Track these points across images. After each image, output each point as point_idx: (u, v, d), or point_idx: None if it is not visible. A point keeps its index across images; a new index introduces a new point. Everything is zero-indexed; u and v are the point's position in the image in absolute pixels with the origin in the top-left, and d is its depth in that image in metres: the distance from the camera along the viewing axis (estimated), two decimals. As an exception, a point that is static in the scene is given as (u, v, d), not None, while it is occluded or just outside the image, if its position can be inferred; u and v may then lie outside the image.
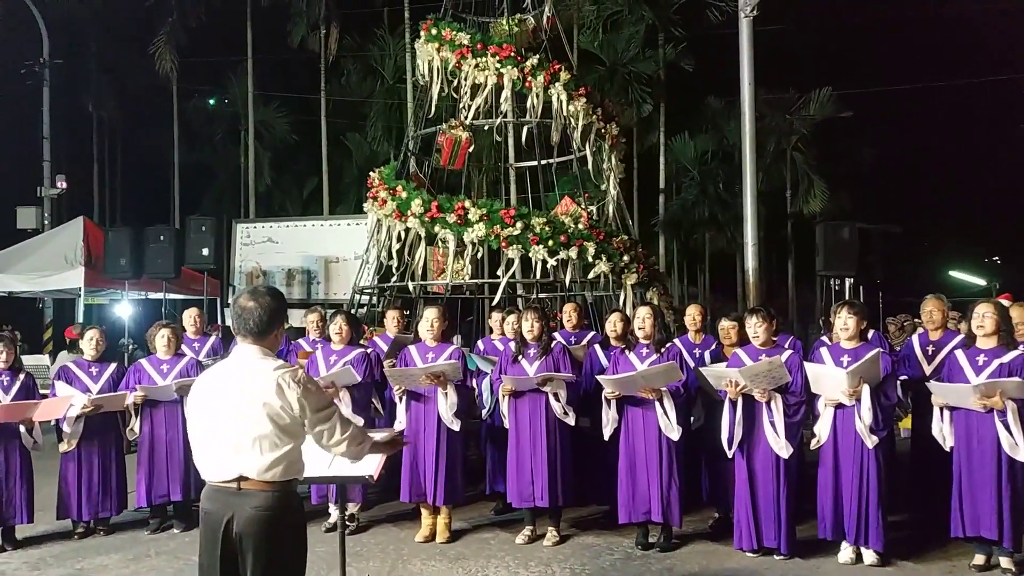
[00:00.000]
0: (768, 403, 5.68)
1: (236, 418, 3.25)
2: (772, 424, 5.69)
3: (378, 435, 3.81)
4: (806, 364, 5.76)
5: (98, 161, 28.24)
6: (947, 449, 5.57)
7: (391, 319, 7.62)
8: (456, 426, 6.36)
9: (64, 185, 19.57)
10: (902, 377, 6.44)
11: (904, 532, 6.23)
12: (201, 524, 3.35)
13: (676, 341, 6.93)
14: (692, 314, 7.06)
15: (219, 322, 13.79)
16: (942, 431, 5.57)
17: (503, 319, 7.53)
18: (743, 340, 6.24)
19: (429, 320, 6.53)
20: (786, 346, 6.26)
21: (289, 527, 3.31)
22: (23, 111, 22.45)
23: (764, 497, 5.74)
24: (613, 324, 6.77)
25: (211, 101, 27.73)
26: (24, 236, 16.33)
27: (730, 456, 5.86)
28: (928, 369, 6.36)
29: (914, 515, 6.52)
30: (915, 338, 6.76)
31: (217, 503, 3.27)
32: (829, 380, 5.56)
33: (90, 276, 12.88)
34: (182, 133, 26.52)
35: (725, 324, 6.59)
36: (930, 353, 6.45)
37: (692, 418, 6.32)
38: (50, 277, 13.20)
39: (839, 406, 5.58)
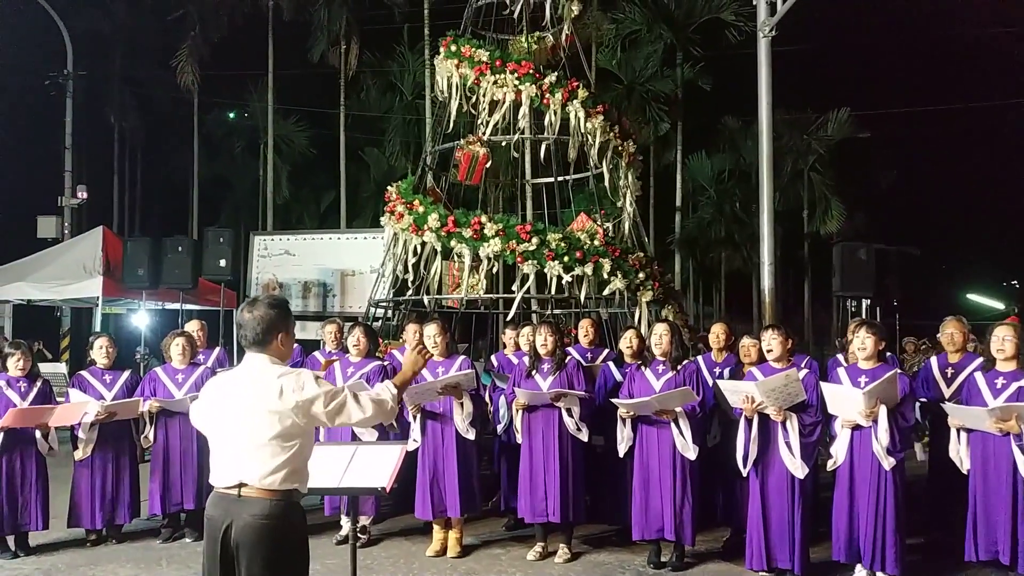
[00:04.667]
0: (783, 422, 5.65)
1: (239, 425, 3.28)
2: (787, 444, 5.64)
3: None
4: (823, 384, 5.71)
5: (118, 172, 28.51)
6: (964, 471, 5.51)
7: (411, 332, 7.63)
8: (472, 435, 6.36)
9: (84, 195, 19.77)
10: (921, 399, 6.39)
11: (920, 555, 6.16)
12: (204, 529, 3.37)
13: (698, 358, 6.90)
14: (717, 332, 7.03)
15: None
16: (959, 453, 5.53)
17: (517, 333, 7.53)
18: (762, 359, 6.21)
19: (432, 337, 6.51)
20: (802, 365, 6.23)
21: (287, 537, 3.28)
22: (46, 122, 22.76)
23: (778, 517, 5.69)
24: (628, 341, 6.75)
25: (231, 114, 27.98)
26: (44, 245, 16.50)
27: (744, 474, 5.82)
28: (947, 392, 6.31)
29: (930, 538, 6.45)
30: (933, 360, 6.70)
31: (219, 509, 3.29)
32: (846, 401, 5.51)
33: (108, 285, 12.97)
34: (202, 145, 26.77)
35: (746, 342, 6.55)
36: (949, 375, 6.39)
37: (709, 436, 6.28)
38: (68, 286, 13.29)
39: (856, 427, 5.52)
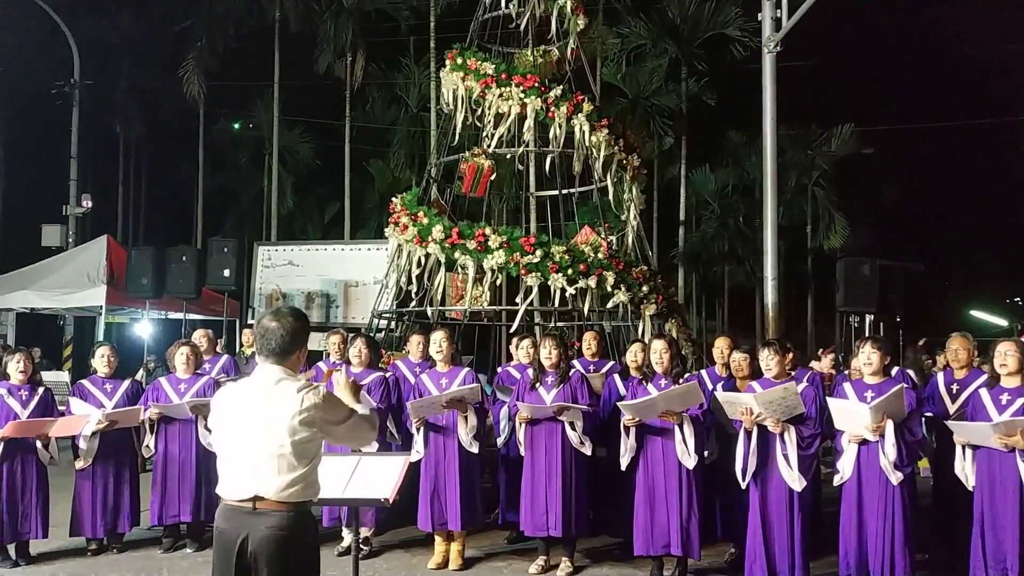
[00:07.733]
0: (781, 435, 5.63)
1: (255, 438, 3.27)
2: (785, 456, 5.62)
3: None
4: (830, 400, 5.70)
5: (123, 181, 28.56)
6: (969, 488, 5.48)
7: (414, 344, 7.63)
8: (476, 448, 6.35)
9: (89, 204, 19.79)
10: (927, 414, 6.36)
11: (926, 572, 6.12)
12: (215, 542, 3.35)
13: (703, 372, 6.88)
14: (721, 347, 6.99)
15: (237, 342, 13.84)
16: (964, 470, 5.50)
17: (516, 346, 7.51)
18: (755, 373, 6.19)
19: (438, 343, 6.52)
20: (804, 380, 6.21)
21: (303, 548, 3.32)
22: (51, 131, 22.82)
23: (778, 530, 5.65)
24: (634, 354, 6.74)
25: (236, 125, 28.06)
26: (48, 253, 16.53)
27: (744, 487, 5.79)
28: (952, 408, 6.29)
29: (935, 555, 6.42)
30: (939, 376, 6.69)
31: (232, 522, 3.28)
32: (853, 416, 5.49)
33: (111, 294, 12.98)
34: (207, 156, 26.84)
35: (736, 356, 6.51)
36: (954, 391, 6.38)
37: (706, 452, 6.26)
38: (72, 294, 13.31)
39: (863, 442, 5.50)
